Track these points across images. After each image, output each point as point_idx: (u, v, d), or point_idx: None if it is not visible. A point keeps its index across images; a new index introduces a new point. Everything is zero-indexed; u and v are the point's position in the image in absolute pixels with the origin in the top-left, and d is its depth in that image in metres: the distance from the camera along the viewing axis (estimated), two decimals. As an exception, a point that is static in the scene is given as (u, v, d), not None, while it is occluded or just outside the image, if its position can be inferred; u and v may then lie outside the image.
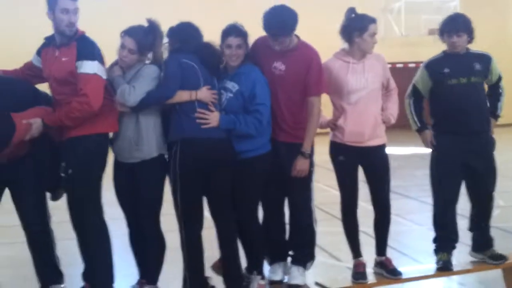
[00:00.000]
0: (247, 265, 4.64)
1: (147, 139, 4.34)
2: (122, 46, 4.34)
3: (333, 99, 4.82)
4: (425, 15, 17.34)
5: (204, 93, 4.33)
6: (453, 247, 5.10)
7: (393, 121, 4.90)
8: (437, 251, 5.09)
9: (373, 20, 4.69)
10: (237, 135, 4.41)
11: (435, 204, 5.10)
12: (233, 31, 4.47)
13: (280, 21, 4.38)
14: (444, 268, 4.99)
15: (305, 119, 4.55)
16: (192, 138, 4.28)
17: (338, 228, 5.10)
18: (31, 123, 4.11)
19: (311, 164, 4.62)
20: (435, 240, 5.13)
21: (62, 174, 4.25)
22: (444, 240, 5.06)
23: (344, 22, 4.73)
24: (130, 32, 4.34)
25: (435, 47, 5.22)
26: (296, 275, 4.65)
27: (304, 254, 4.70)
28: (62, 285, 4.52)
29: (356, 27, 4.66)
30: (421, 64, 5.08)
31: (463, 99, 4.90)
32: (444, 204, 5.03)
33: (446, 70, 4.91)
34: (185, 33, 4.46)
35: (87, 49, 4.19)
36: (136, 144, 4.33)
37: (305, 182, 4.61)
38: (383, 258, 4.94)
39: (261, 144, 4.49)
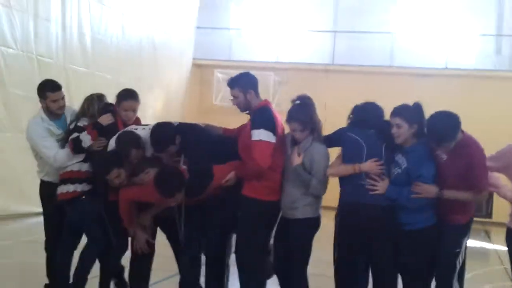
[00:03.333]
0: None
1: (300, 202, 4.97)
2: (291, 128, 5.02)
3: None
4: None
5: (367, 166, 4.78)
6: None
7: None
8: None
9: None
10: (400, 207, 4.74)
11: None
12: (397, 112, 4.76)
13: (440, 130, 4.63)
14: None
15: (459, 206, 4.79)
16: (355, 202, 4.75)
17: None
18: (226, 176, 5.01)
19: (458, 246, 4.82)
20: None
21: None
22: None
23: None
24: (292, 116, 4.97)
25: None
26: None
27: None
28: None
29: None
30: None
31: None
32: None
33: None
34: (366, 111, 4.99)
35: (256, 119, 5.01)
36: (292, 203, 4.99)
37: (451, 261, 4.81)
38: None
39: (425, 217, 4.76)
